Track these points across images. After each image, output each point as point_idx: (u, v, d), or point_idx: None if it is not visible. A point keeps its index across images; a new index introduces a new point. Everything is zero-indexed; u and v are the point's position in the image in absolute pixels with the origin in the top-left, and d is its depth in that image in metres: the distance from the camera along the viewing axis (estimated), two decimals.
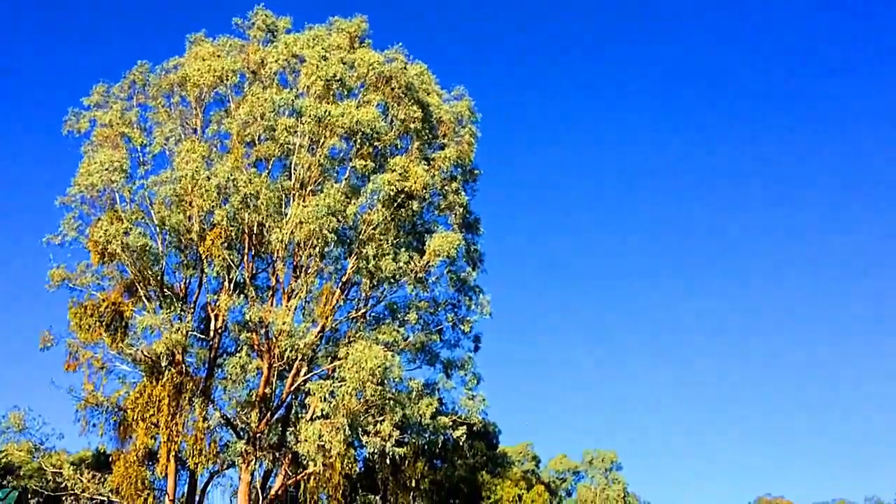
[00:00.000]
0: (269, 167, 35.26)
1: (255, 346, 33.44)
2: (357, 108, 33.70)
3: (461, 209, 38.19)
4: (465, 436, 35.76)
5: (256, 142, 35.00)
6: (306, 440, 29.79)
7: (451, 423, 35.45)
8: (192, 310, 34.00)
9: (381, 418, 31.54)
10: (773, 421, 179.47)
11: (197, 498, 33.99)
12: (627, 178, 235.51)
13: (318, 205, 31.37)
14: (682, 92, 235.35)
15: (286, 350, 30.83)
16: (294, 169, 33.71)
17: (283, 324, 30.54)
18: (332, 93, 34.40)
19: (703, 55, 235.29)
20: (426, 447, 41.95)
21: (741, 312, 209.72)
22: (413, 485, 46.38)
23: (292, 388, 33.87)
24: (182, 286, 34.47)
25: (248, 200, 31.88)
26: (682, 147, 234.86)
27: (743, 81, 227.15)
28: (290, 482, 33.76)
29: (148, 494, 30.24)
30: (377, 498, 43.38)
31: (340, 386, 30.20)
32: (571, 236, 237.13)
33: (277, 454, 33.27)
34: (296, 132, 33.10)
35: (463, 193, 38.29)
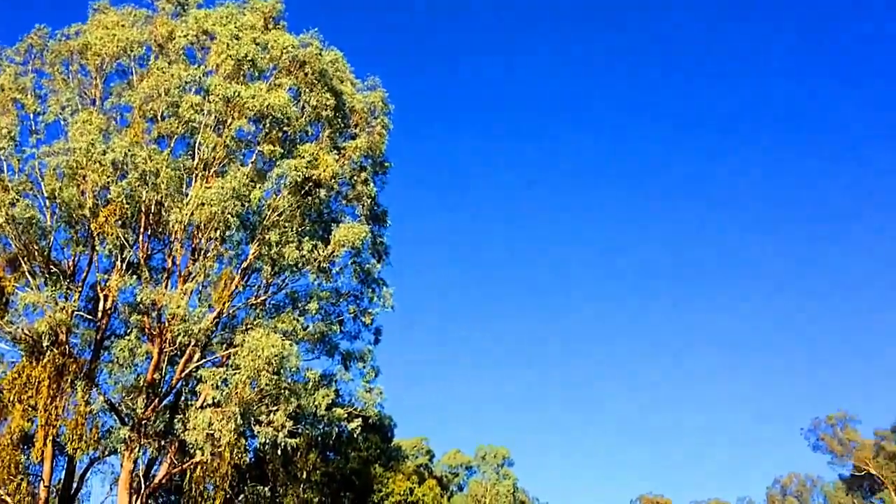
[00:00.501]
0: (171, 145, 33.91)
1: (146, 330, 32.20)
2: (268, 91, 32.96)
3: (369, 200, 37.98)
4: (359, 428, 35.55)
5: (159, 118, 33.62)
6: (195, 428, 28.95)
7: (346, 415, 35.17)
8: (80, 288, 32.42)
9: (274, 408, 30.96)
10: (655, 421, 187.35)
11: (75, 485, 32.55)
12: (536, 171, 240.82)
13: (221, 187, 30.48)
14: (588, 81, 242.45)
15: (179, 335, 29.80)
16: (198, 149, 32.62)
17: (178, 307, 29.54)
18: (242, 73, 33.50)
19: (606, 43, 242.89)
20: (320, 439, 41.55)
21: (628, 313, 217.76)
22: (304, 476, 45.89)
23: (183, 375, 32.81)
24: (70, 263, 32.82)
25: (147, 178, 30.60)
26: (586, 139, 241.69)
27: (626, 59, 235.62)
28: (175, 471, 32.72)
29: (22, 479, 28.67)
30: (266, 489, 42.67)
31: (234, 374, 29.48)
32: (480, 232, 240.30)
33: (163, 442, 32.17)
34: (202, 111, 32.04)
35: (372, 185, 38.08)
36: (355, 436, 38.20)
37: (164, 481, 32.98)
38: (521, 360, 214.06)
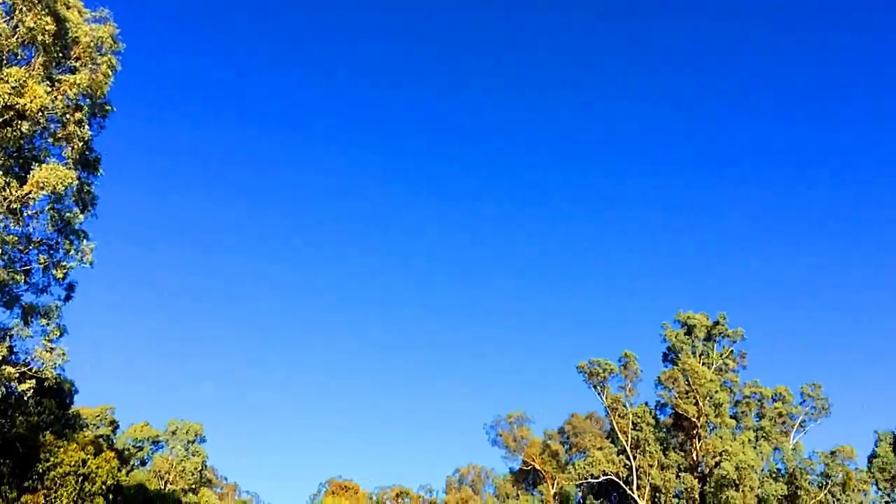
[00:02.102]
0: None
1: None
2: None
3: (81, 144, 34.40)
4: (32, 390, 32.18)
5: None
6: None
7: (17, 375, 31.63)
8: None
9: None
10: (348, 409, 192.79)
11: None
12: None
13: None
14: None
15: None
16: None
17: None
18: None
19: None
20: None
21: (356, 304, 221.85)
22: None
23: None
24: None
25: None
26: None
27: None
28: None
29: None
30: None
31: None
32: (210, 196, 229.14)
33: None
34: None
35: (87, 127, 34.53)
36: (26, 398, 34.51)
37: None
38: (226, 342, 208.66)
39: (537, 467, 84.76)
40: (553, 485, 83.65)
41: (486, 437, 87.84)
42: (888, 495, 70.26)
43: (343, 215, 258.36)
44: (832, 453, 66.38)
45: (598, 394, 72.57)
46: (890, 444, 71.93)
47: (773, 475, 67.27)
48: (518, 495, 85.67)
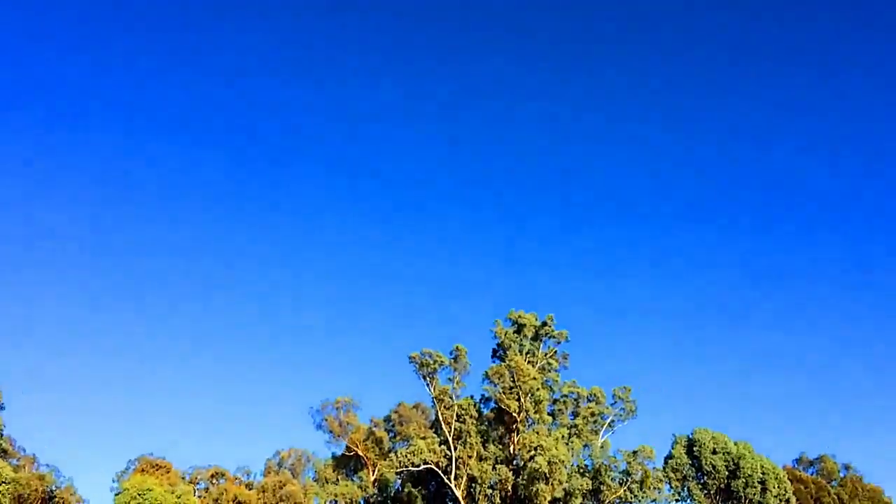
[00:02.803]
0: None
1: None
2: None
3: None
4: None
5: None
6: None
7: None
8: None
9: None
10: (164, 384, 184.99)
11: None
12: None
13: None
14: None
15: None
16: None
17: None
18: None
19: None
20: None
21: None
22: None
23: None
24: None
25: None
26: None
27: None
28: None
29: None
30: None
31: None
32: None
33: None
34: None
35: None
36: None
37: None
38: (32, 301, 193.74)
39: (360, 453, 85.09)
40: (374, 471, 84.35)
41: (311, 420, 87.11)
42: (678, 493, 76.61)
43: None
44: (634, 453, 71.20)
45: (427, 384, 73.92)
46: (684, 446, 78.39)
47: (581, 471, 71.31)
48: (338, 480, 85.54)
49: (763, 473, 75.32)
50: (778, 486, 75.11)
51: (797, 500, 79.51)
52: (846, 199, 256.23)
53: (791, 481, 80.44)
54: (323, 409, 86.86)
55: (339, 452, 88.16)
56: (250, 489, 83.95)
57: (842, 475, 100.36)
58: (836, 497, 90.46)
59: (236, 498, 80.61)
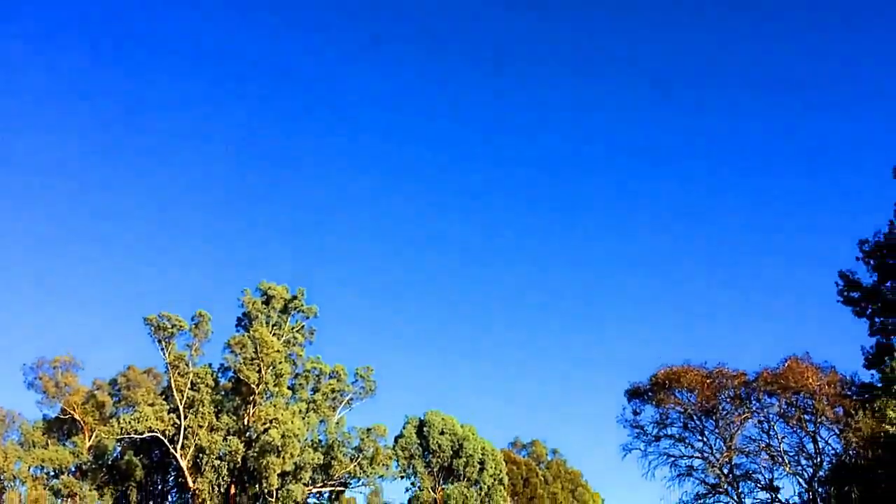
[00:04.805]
0: None
1: None
2: None
3: None
4: None
5: None
6: None
7: None
8: None
9: None
10: None
11: None
12: None
13: None
14: None
15: None
16: None
17: None
18: None
19: None
20: None
21: None
22: None
23: None
24: None
25: None
26: None
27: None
28: None
29: None
30: None
31: None
32: None
33: None
34: None
35: None
36: None
37: None
38: None
39: (77, 417, 78.45)
40: (91, 437, 78.22)
41: (21, 378, 78.57)
42: (405, 470, 79.83)
43: None
44: (368, 430, 72.95)
45: (162, 349, 69.98)
46: (415, 427, 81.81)
47: (314, 445, 71.70)
48: (47, 444, 78.21)
49: (483, 454, 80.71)
50: (495, 467, 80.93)
51: (509, 479, 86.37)
52: None
53: (506, 462, 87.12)
54: (38, 367, 78.76)
55: (52, 415, 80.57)
56: None
57: (549, 458, 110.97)
58: (542, 478, 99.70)
59: None
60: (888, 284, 61.59)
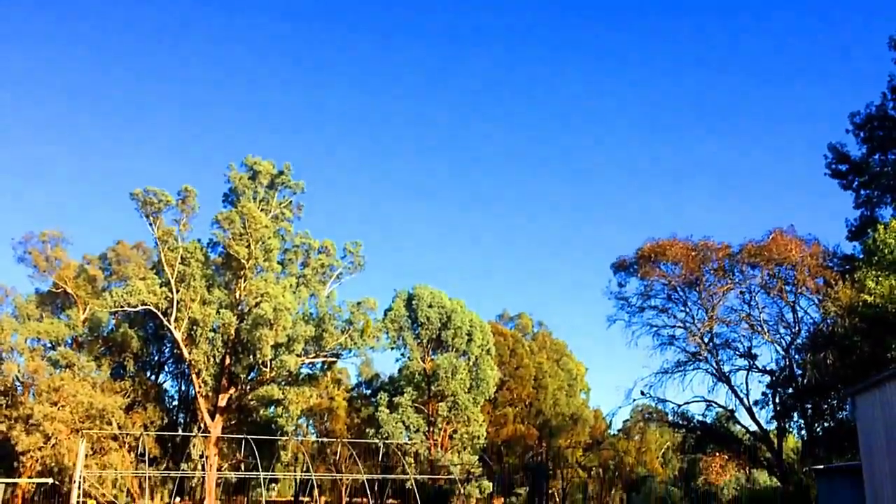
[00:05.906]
0: None
1: None
2: None
3: None
4: None
5: None
6: None
7: None
8: None
9: None
10: None
11: None
12: None
13: None
14: None
15: None
16: None
17: None
18: None
19: None
20: None
21: None
22: None
23: None
24: None
25: None
26: None
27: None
28: None
29: None
30: None
31: None
32: None
33: None
34: None
35: None
36: None
37: None
38: None
39: (69, 291, 79.09)
40: (85, 310, 79.11)
41: (12, 253, 78.35)
42: (395, 342, 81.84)
43: None
44: (358, 304, 73.98)
45: (150, 224, 69.72)
46: (404, 300, 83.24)
47: (305, 318, 72.93)
48: (42, 318, 79.21)
49: (471, 326, 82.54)
50: (482, 338, 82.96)
51: (497, 350, 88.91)
52: None
53: (493, 334, 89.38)
54: (27, 241, 78.54)
55: (43, 288, 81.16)
56: None
57: (535, 330, 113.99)
58: (528, 349, 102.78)
59: None
60: (876, 157, 61.57)
